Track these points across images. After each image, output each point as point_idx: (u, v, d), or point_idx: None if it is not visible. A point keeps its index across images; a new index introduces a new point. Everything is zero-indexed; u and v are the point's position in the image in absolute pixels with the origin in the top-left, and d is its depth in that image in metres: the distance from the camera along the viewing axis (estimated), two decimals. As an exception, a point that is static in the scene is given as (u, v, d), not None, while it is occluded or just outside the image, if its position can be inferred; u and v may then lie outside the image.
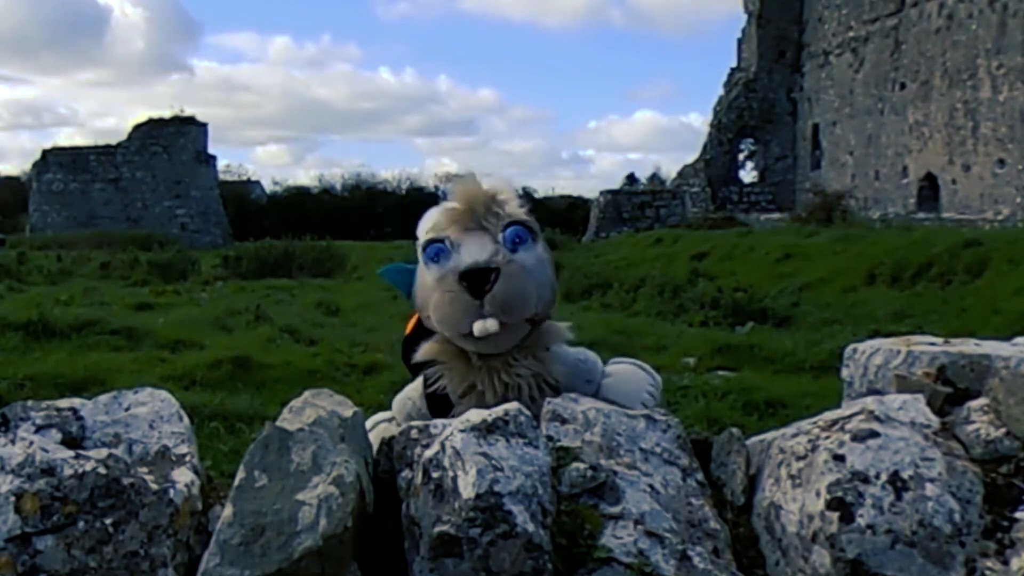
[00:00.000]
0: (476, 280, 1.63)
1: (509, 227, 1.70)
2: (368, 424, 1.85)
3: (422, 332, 1.82)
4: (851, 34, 25.24)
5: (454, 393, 1.73)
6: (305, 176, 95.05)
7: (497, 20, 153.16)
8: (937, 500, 1.19)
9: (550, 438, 1.37)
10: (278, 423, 1.30)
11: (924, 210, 20.83)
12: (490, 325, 1.62)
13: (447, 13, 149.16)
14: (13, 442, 1.28)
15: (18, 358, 7.31)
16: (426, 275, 1.72)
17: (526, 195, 2.01)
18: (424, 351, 1.76)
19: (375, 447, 1.44)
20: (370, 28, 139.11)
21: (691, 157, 29.18)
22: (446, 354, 1.74)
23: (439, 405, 1.76)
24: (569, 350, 1.80)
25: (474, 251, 1.67)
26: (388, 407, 2.01)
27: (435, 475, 1.23)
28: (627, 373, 1.86)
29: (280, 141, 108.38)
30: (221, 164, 33.50)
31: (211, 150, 31.60)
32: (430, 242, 1.71)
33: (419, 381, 1.82)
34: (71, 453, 1.27)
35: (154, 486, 1.27)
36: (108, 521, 1.22)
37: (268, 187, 42.17)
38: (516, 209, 1.75)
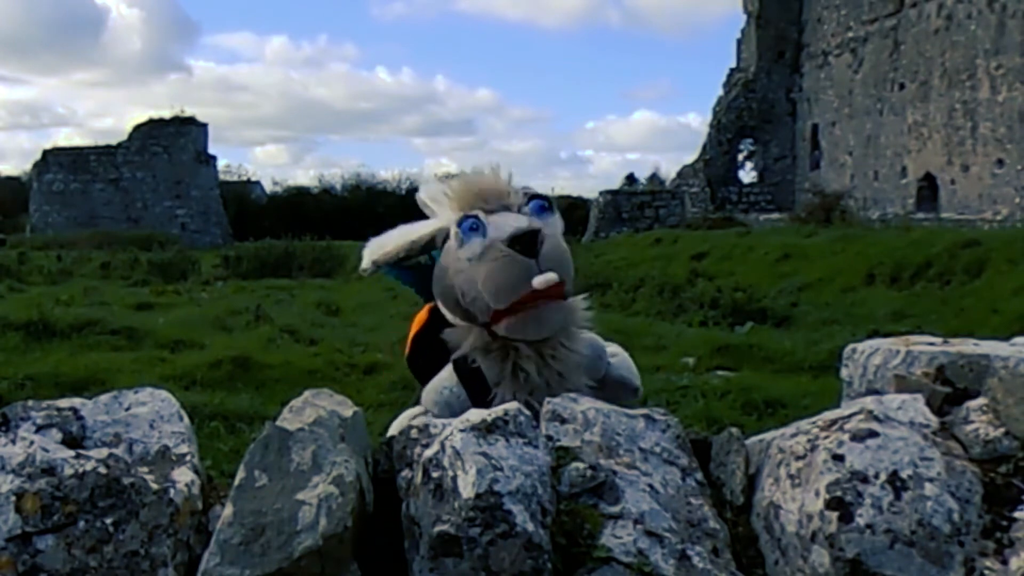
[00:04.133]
0: (527, 241, 1.69)
1: (531, 200, 1.79)
2: (402, 420, 1.85)
3: (434, 328, 1.82)
4: (850, 34, 25.23)
5: (495, 376, 1.74)
6: (304, 176, 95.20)
7: (493, 21, 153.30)
8: (936, 500, 1.19)
9: (550, 438, 1.37)
10: (278, 423, 1.30)
11: (923, 210, 20.82)
12: (552, 276, 1.68)
13: (442, 14, 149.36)
14: (14, 442, 1.28)
15: (18, 358, 7.31)
16: (460, 254, 1.74)
17: None
18: (465, 346, 1.78)
19: None
20: (366, 28, 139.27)
21: (690, 157, 29.18)
22: (483, 342, 1.76)
23: (477, 389, 1.76)
24: (583, 336, 1.86)
25: (511, 221, 1.73)
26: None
27: (435, 475, 1.23)
28: (622, 354, 1.97)
29: (278, 141, 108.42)
30: (220, 164, 33.51)
31: (210, 150, 31.62)
32: (465, 217, 1.75)
33: (450, 369, 1.82)
34: (71, 453, 1.27)
35: (154, 486, 1.27)
36: (108, 521, 1.22)
37: (268, 187, 42.15)
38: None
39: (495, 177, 1.83)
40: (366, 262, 1.87)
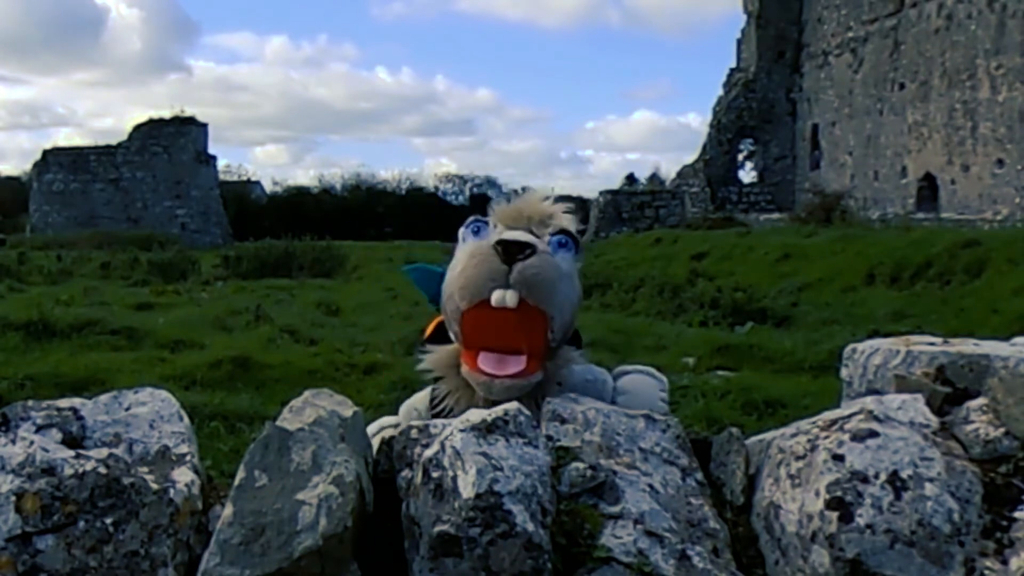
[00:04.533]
0: (510, 248, 1.58)
1: (557, 233, 1.69)
2: (374, 427, 1.84)
3: (440, 339, 1.79)
4: (850, 34, 25.25)
5: (458, 415, 1.70)
6: (304, 176, 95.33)
7: (493, 20, 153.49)
8: (936, 500, 1.19)
9: (550, 438, 1.37)
10: (278, 423, 1.30)
11: (923, 210, 20.84)
12: (509, 297, 1.56)
13: (442, 13, 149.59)
14: (13, 442, 1.28)
15: (18, 358, 7.32)
16: (459, 256, 1.67)
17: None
18: (431, 362, 1.71)
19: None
20: (366, 28, 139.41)
21: (690, 157, 29.22)
22: (452, 373, 1.69)
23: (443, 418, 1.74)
24: (575, 369, 1.73)
25: (516, 233, 1.63)
26: (388, 407, 2.01)
27: (435, 475, 1.23)
28: (638, 386, 1.81)
29: (278, 141, 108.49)
30: (221, 164, 33.53)
31: (210, 150, 31.64)
32: (475, 220, 1.69)
33: (426, 394, 1.78)
34: (71, 453, 1.27)
35: (154, 486, 1.27)
36: (108, 521, 1.22)
37: (268, 187, 42.20)
38: (567, 224, 1.73)
39: (544, 206, 1.72)
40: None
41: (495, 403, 1.62)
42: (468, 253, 1.64)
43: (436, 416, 1.72)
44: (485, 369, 1.60)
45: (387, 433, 1.81)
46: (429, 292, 1.78)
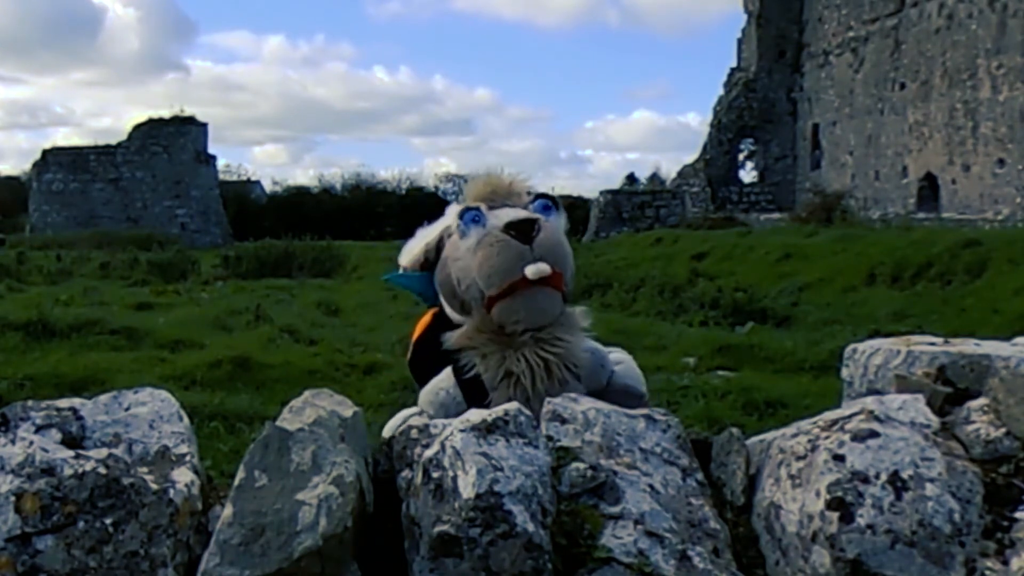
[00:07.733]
0: (523, 228, 1.74)
1: (537, 199, 1.85)
2: (397, 419, 1.87)
3: (435, 334, 1.83)
4: (851, 34, 25.24)
5: (491, 380, 1.75)
6: (303, 176, 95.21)
7: (490, 20, 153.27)
8: (937, 500, 1.19)
9: (550, 438, 1.37)
10: (278, 423, 1.30)
11: (924, 210, 20.83)
12: (543, 267, 1.71)
13: (438, 12, 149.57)
14: (13, 442, 1.28)
15: (18, 358, 7.31)
16: (460, 244, 1.79)
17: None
18: (456, 340, 1.80)
19: None
20: (363, 27, 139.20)
21: (689, 157, 29.22)
22: (480, 340, 1.78)
23: (474, 392, 1.77)
24: (584, 338, 1.88)
25: (510, 212, 1.79)
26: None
27: (435, 475, 1.23)
28: (628, 360, 1.99)
29: (277, 141, 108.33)
30: (220, 164, 33.48)
31: (209, 150, 31.61)
32: (467, 209, 1.81)
33: (449, 371, 1.83)
34: (71, 453, 1.27)
35: (154, 486, 1.27)
36: (108, 521, 1.22)
37: (268, 187, 42.14)
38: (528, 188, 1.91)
39: (506, 176, 1.89)
40: (401, 266, 1.98)
41: (521, 349, 1.73)
42: (478, 243, 1.75)
43: (465, 384, 1.80)
44: (527, 280, 1.71)
45: (415, 420, 1.85)
46: (419, 290, 1.89)
